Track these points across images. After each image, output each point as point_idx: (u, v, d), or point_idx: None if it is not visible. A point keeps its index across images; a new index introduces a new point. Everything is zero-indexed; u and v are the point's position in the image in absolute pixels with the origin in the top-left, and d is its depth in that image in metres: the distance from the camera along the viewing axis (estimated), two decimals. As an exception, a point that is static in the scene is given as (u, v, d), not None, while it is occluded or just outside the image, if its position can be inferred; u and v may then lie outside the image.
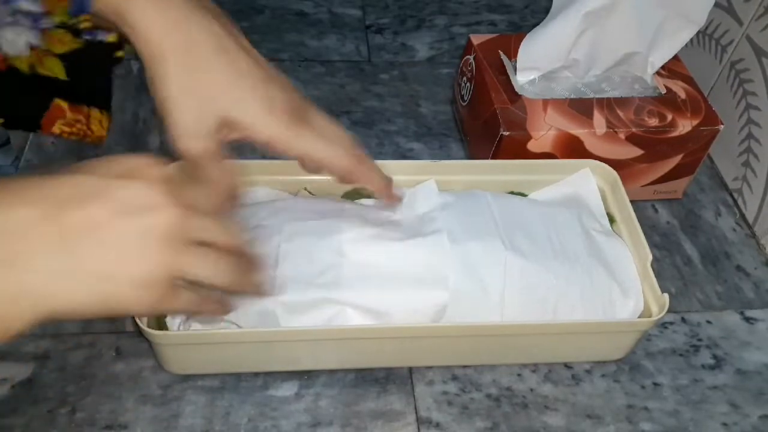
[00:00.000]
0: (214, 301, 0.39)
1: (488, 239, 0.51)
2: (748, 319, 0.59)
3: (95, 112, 0.55)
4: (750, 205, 0.66)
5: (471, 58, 0.65)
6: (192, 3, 0.42)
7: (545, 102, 0.60)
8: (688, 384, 0.54)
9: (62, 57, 0.50)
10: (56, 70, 0.51)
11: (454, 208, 0.54)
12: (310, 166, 0.47)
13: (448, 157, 0.69)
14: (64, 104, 0.53)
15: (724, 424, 0.52)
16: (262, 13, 0.83)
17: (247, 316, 0.48)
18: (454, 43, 0.81)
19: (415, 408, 0.51)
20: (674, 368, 0.55)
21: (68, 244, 0.32)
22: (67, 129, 0.54)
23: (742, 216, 0.67)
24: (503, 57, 0.64)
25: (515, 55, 0.62)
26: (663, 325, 0.58)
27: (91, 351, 0.52)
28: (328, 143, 0.45)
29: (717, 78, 0.70)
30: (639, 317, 0.52)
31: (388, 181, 0.50)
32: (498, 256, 0.50)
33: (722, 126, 0.61)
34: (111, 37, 0.50)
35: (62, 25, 0.47)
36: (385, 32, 0.82)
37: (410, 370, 0.53)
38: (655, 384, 0.54)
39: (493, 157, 0.60)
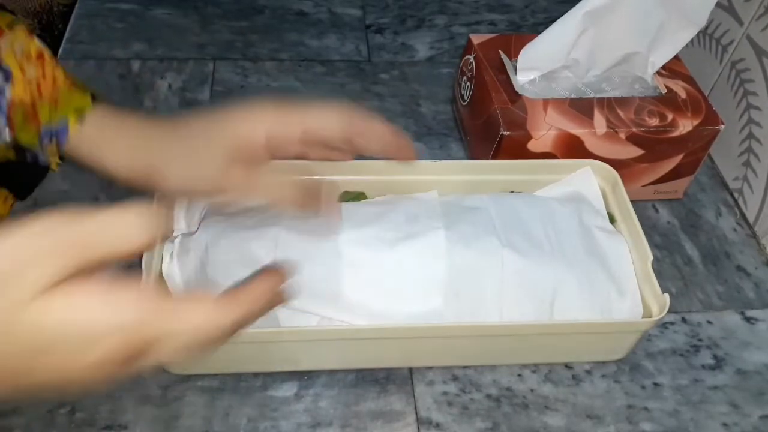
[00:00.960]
0: None
1: (485, 238, 0.51)
2: (748, 319, 0.59)
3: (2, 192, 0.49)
4: (750, 205, 0.66)
5: (471, 57, 0.65)
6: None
7: (545, 102, 0.60)
8: (689, 384, 0.54)
9: None
10: None
11: (451, 208, 0.54)
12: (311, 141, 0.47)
13: (448, 157, 0.69)
14: None
15: (725, 425, 0.52)
16: (262, 13, 0.83)
17: None
18: (454, 43, 0.81)
19: (415, 408, 0.51)
20: (674, 368, 0.55)
21: None
22: None
23: (743, 216, 0.67)
24: (503, 57, 0.64)
25: (515, 55, 0.62)
26: (663, 325, 0.58)
27: (91, 351, 0.52)
28: (320, 111, 0.46)
29: (717, 78, 0.70)
30: (640, 317, 0.52)
31: (395, 134, 0.48)
32: (495, 255, 0.50)
33: (723, 126, 0.61)
34: (53, 166, 0.46)
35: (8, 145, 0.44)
36: (385, 32, 0.82)
37: (410, 370, 0.53)
38: (656, 384, 0.54)
39: (493, 157, 0.60)
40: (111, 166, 0.45)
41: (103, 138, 0.45)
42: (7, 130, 0.43)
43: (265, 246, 0.50)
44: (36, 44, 0.44)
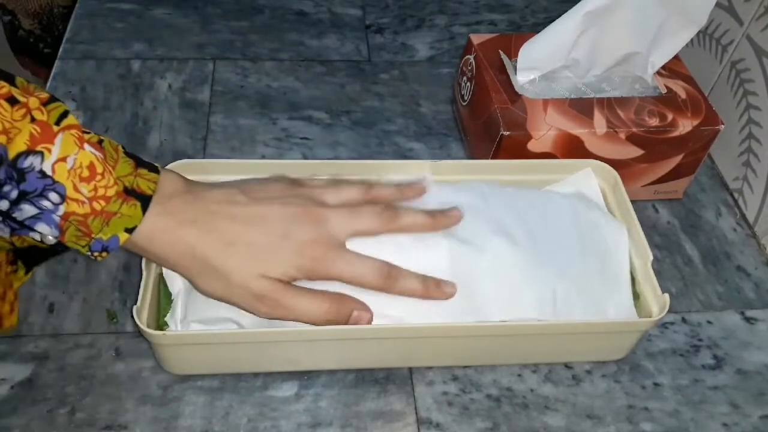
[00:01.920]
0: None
1: (483, 232, 0.51)
2: (748, 320, 0.59)
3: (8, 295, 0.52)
4: (750, 205, 0.66)
5: (471, 57, 0.65)
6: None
7: (545, 102, 0.60)
8: (689, 384, 0.54)
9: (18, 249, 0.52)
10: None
11: (449, 199, 0.54)
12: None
13: (448, 157, 0.69)
14: None
15: (725, 425, 0.52)
16: (262, 13, 0.83)
17: (250, 316, 0.48)
18: (454, 43, 0.81)
19: (416, 408, 0.51)
20: (675, 368, 0.55)
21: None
22: None
23: (743, 216, 0.67)
24: (503, 57, 0.64)
25: (515, 55, 0.62)
26: (663, 325, 0.58)
27: (91, 351, 0.52)
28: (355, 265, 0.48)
29: (717, 78, 0.70)
30: (640, 317, 0.52)
31: (426, 285, 0.49)
32: (493, 251, 0.50)
33: (723, 126, 0.61)
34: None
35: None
36: (385, 32, 0.82)
37: (410, 370, 0.53)
38: (656, 384, 0.54)
39: (493, 157, 0.60)
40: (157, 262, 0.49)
41: (152, 246, 0.46)
42: (52, 238, 0.44)
43: None
44: (87, 155, 0.43)
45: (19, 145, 0.41)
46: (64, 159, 0.42)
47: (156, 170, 0.47)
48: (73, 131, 0.43)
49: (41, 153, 0.42)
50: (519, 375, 0.54)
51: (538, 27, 0.80)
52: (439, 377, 0.53)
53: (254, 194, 0.48)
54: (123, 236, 0.44)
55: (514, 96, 0.61)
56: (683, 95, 0.63)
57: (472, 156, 0.67)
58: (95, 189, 0.43)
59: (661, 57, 0.63)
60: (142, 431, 0.49)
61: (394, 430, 0.50)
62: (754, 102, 0.65)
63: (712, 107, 0.62)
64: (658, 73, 0.64)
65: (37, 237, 0.44)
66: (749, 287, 0.61)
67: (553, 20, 0.59)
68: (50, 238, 0.44)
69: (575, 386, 0.53)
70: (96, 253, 0.45)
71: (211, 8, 0.83)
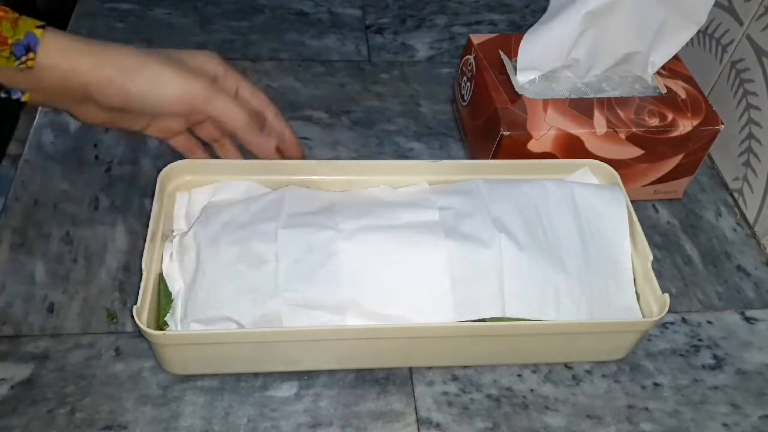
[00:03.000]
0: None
1: (482, 228, 0.51)
2: (748, 320, 0.59)
3: None
4: (750, 205, 0.66)
5: (471, 57, 0.65)
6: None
7: (545, 102, 0.60)
8: (689, 384, 0.54)
9: None
10: None
11: (448, 196, 0.54)
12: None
13: (448, 157, 0.69)
14: None
15: (725, 425, 0.52)
16: (262, 12, 0.83)
17: (250, 316, 0.48)
18: (454, 43, 0.81)
19: (416, 408, 0.51)
20: (675, 368, 0.55)
21: None
22: None
23: (743, 216, 0.67)
24: (503, 57, 0.64)
25: (515, 55, 0.62)
26: (663, 325, 0.58)
27: (91, 351, 0.52)
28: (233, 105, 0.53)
29: (717, 78, 0.70)
30: (635, 308, 0.52)
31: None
32: (492, 249, 0.50)
33: (723, 126, 0.61)
34: (25, 97, 0.49)
35: None
36: (385, 32, 0.82)
37: (410, 370, 0.53)
38: (656, 384, 0.54)
39: (493, 157, 0.60)
40: (78, 78, 0.49)
41: (71, 48, 0.48)
42: None
43: (263, 241, 0.50)
44: None
45: None
46: None
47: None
48: None
49: None
50: (519, 375, 0.54)
51: (538, 27, 0.80)
52: (439, 377, 0.53)
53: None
54: (38, 32, 0.47)
55: (514, 96, 0.61)
56: (683, 95, 0.63)
57: (472, 156, 0.67)
58: None
59: (661, 57, 0.63)
60: (142, 431, 0.49)
61: (394, 430, 0.50)
62: (754, 102, 0.65)
63: (712, 107, 0.62)
64: (658, 73, 0.64)
65: None
66: (749, 287, 0.61)
67: (553, 20, 0.59)
68: None
69: (575, 386, 0.53)
70: (23, 58, 0.46)
71: (211, 8, 0.83)
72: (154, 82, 0.50)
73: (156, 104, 0.51)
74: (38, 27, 0.47)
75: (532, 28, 0.60)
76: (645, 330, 0.52)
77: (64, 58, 0.48)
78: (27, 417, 0.49)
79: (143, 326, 0.46)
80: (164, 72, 0.50)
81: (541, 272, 0.51)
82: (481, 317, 0.49)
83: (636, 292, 0.54)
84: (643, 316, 0.52)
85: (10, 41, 0.46)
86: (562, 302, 0.51)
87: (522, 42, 0.60)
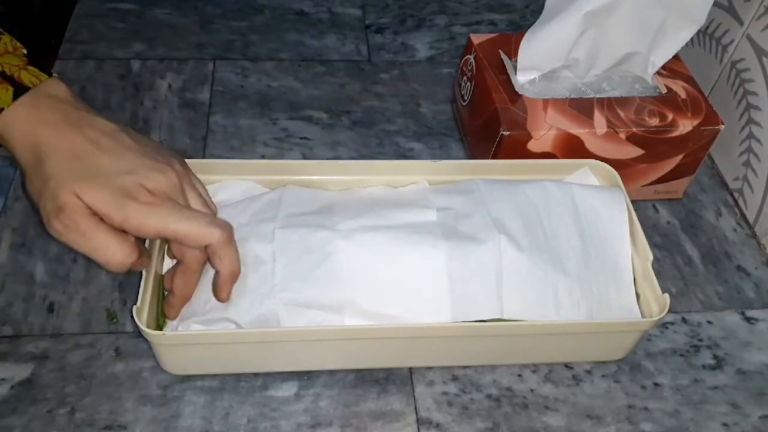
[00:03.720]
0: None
1: (482, 229, 0.51)
2: (748, 319, 0.59)
3: None
4: (750, 205, 0.66)
5: (471, 57, 0.65)
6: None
7: (545, 102, 0.60)
8: (689, 384, 0.54)
9: None
10: None
11: (447, 196, 0.54)
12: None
13: (448, 157, 0.69)
14: None
15: (725, 425, 0.52)
16: (262, 12, 0.83)
17: (248, 316, 0.48)
18: (454, 43, 0.81)
19: (416, 408, 0.51)
20: (675, 368, 0.55)
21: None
22: None
23: (743, 216, 0.67)
24: (503, 57, 0.64)
25: (515, 55, 0.62)
26: (663, 325, 0.58)
27: (91, 351, 0.52)
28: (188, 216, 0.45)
29: (717, 78, 0.70)
30: (634, 306, 0.52)
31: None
32: (491, 250, 0.50)
33: (723, 126, 0.61)
34: None
35: None
36: (385, 32, 0.82)
37: (410, 370, 0.53)
38: (656, 384, 0.54)
39: (493, 157, 0.60)
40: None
41: (6, 130, 0.44)
42: None
43: (261, 242, 0.50)
44: None
45: None
46: None
47: (50, 75, 0.46)
48: None
49: None
50: (519, 375, 0.54)
51: (538, 27, 0.80)
52: (439, 377, 0.53)
53: (133, 140, 0.46)
54: (5, 99, 0.43)
55: (514, 96, 0.61)
56: (683, 95, 0.63)
57: (472, 156, 0.67)
58: None
59: (661, 57, 0.63)
60: (141, 431, 0.49)
61: (394, 430, 0.50)
62: (754, 102, 0.65)
63: (712, 107, 0.62)
64: (658, 73, 0.64)
65: None
66: (749, 287, 0.61)
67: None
68: None
69: (575, 386, 0.53)
70: None
71: (211, 8, 0.83)
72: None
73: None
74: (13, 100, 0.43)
75: (531, 28, 0.60)
76: (645, 330, 0.52)
77: (15, 140, 0.44)
78: (27, 417, 0.49)
79: (143, 326, 0.46)
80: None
81: (540, 273, 0.51)
82: (479, 318, 0.49)
83: (636, 292, 0.53)
84: (643, 316, 0.52)
85: None
86: (562, 303, 0.50)
87: (522, 42, 0.60)
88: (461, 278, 0.50)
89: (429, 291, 0.49)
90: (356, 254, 0.50)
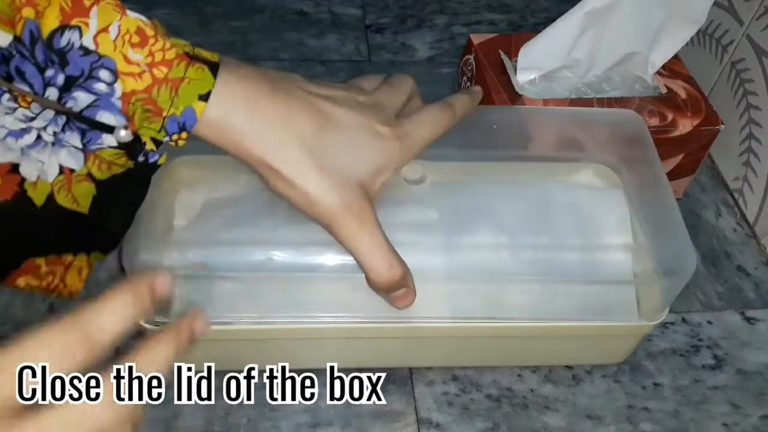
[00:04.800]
0: None
1: (483, 229, 0.51)
2: (748, 320, 0.59)
3: (80, 260, 0.44)
4: (751, 205, 0.66)
5: (471, 57, 0.65)
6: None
7: (545, 102, 0.60)
8: (689, 384, 0.54)
9: (100, 183, 0.40)
10: (82, 201, 0.40)
11: (446, 196, 0.54)
12: None
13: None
14: (40, 261, 0.41)
15: (725, 425, 0.52)
16: (262, 12, 0.83)
17: (247, 318, 0.48)
18: (454, 43, 0.81)
19: (416, 408, 0.51)
20: (675, 368, 0.55)
21: None
22: (34, 282, 0.42)
23: (743, 216, 0.67)
24: (503, 57, 0.64)
25: (515, 55, 0.62)
26: (663, 325, 0.58)
27: (91, 351, 0.52)
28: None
29: (717, 78, 0.70)
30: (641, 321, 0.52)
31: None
32: (491, 250, 0.50)
33: (723, 126, 0.61)
34: (162, 159, 0.40)
35: (121, 145, 0.39)
36: (385, 32, 0.82)
37: (410, 370, 0.53)
38: (656, 384, 0.54)
39: (494, 157, 0.60)
40: (240, 149, 0.40)
41: (233, 117, 0.39)
42: (124, 131, 0.38)
43: (261, 239, 0.50)
44: (131, 20, 0.36)
45: (51, 20, 0.35)
46: (105, 29, 0.35)
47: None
48: (110, 0, 0.36)
49: (78, 28, 0.35)
50: (519, 375, 0.54)
51: (538, 27, 0.80)
52: (439, 377, 0.53)
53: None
54: (198, 105, 0.37)
55: (514, 96, 0.61)
56: (683, 95, 0.63)
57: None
58: (151, 54, 0.36)
59: (661, 57, 0.63)
60: (142, 431, 0.48)
61: (394, 430, 0.50)
62: (754, 102, 0.65)
63: (712, 107, 0.62)
64: (658, 73, 0.64)
65: (111, 143, 0.38)
66: (749, 287, 0.61)
67: (553, 20, 0.59)
68: (122, 133, 0.38)
69: (575, 386, 0.53)
70: (175, 136, 0.38)
71: (211, 8, 0.83)
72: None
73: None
74: (201, 98, 0.38)
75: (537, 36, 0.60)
76: (645, 334, 0.52)
77: (221, 137, 0.39)
78: (27, 417, 0.48)
79: (143, 325, 0.46)
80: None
81: (540, 274, 0.51)
82: (479, 318, 0.49)
83: (636, 292, 0.53)
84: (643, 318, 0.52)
85: (164, 114, 0.37)
86: (562, 304, 0.50)
87: (524, 45, 0.60)
88: (461, 279, 0.50)
89: (427, 291, 0.49)
90: None
